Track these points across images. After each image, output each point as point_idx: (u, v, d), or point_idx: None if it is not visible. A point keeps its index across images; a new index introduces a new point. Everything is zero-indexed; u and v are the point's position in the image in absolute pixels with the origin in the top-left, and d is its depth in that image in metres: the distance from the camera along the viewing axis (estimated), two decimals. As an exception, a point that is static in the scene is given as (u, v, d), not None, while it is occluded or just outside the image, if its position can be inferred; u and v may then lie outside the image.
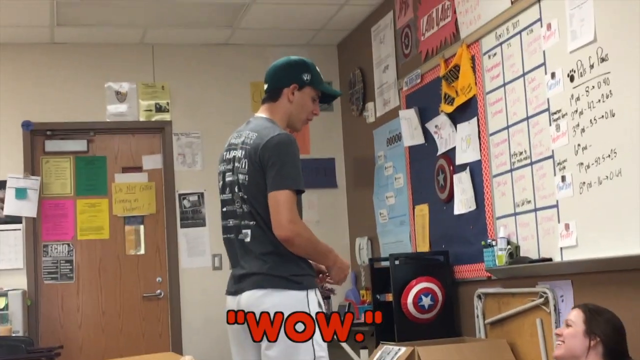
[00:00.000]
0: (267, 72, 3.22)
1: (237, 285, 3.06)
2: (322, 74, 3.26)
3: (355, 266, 6.64)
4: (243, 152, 3.05)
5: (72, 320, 6.46)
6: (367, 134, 6.39)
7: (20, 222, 6.37)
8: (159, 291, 6.62)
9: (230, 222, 3.10)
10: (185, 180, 6.72)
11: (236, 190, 3.06)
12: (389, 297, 4.97)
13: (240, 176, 3.04)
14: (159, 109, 6.75)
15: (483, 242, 4.51)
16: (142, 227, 6.68)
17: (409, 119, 5.49)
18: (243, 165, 3.03)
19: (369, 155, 6.37)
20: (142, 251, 6.67)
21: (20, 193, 6.36)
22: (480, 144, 4.70)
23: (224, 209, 3.14)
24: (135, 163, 6.73)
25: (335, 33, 6.81)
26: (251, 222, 3.01)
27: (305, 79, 3.16)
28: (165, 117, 6.76)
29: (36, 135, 6.53)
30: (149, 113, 6.74)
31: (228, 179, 3.11)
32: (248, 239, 3.02)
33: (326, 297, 5.95)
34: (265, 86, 3.21)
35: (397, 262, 4.94)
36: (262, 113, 3.19)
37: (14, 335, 5.76)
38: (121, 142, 6.73)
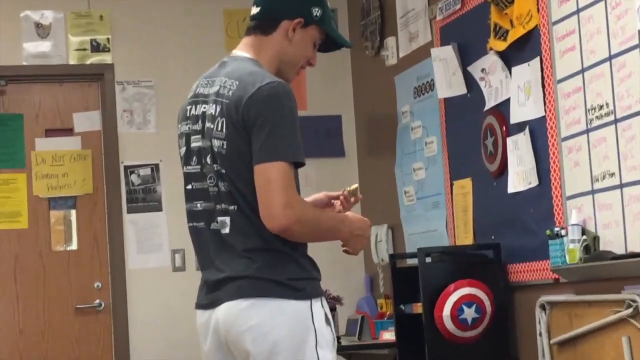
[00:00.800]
0: None
1: (211, 295, 3.03)
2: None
3: (371, 267, 6.66)
4: (218, 108, 3.02)
5: (-23, 342, 6.51)
6: (387, 82, 6.40)
7: None
8: (97, 301, 6.65)
9: (199, 205, 3.08)
10: (134, 147, 6.75)
11: (209, 161, 3.04)
12: (418, 308, 5.00)
13: (215, 142, 3.01)
14: (96, 47, 6.76)
15: (548, 232, 4.52)
16: (73, 212, 6.71)
17: (444, 60, 5.50)
18: (219, 127, 3.01)
19: (389, 112, 6.38)
20: (75, 246, 6.70)
21: None
22: (544, 95, 4.70)
23: (189, 187, 3.12)
24: (63, 124, 6.75)
25: (341, -60, 6.81)
26: (231, 207, 2.99)
27: (314, 14, 3.13)
28: (105, 58, 6.76)
29: None
30: (82, 53, 6.74)
31: (195, 144, 3.09)
32: (226, 230, 3.00)
33: (331, 309, 5.97)
34: (256, 10, 3.15)
35: (428, 260, 4.96)
36: (243, 50, 3.15)
37: None
38: (43, 94, 6.74)
